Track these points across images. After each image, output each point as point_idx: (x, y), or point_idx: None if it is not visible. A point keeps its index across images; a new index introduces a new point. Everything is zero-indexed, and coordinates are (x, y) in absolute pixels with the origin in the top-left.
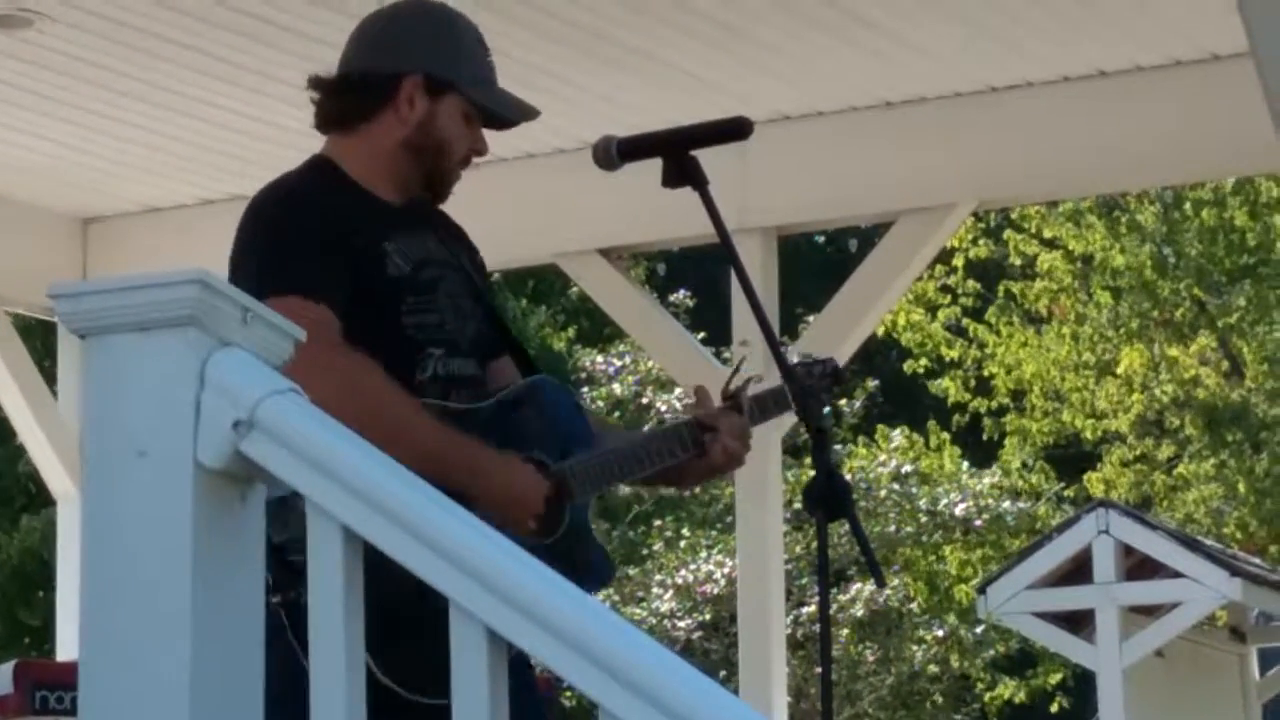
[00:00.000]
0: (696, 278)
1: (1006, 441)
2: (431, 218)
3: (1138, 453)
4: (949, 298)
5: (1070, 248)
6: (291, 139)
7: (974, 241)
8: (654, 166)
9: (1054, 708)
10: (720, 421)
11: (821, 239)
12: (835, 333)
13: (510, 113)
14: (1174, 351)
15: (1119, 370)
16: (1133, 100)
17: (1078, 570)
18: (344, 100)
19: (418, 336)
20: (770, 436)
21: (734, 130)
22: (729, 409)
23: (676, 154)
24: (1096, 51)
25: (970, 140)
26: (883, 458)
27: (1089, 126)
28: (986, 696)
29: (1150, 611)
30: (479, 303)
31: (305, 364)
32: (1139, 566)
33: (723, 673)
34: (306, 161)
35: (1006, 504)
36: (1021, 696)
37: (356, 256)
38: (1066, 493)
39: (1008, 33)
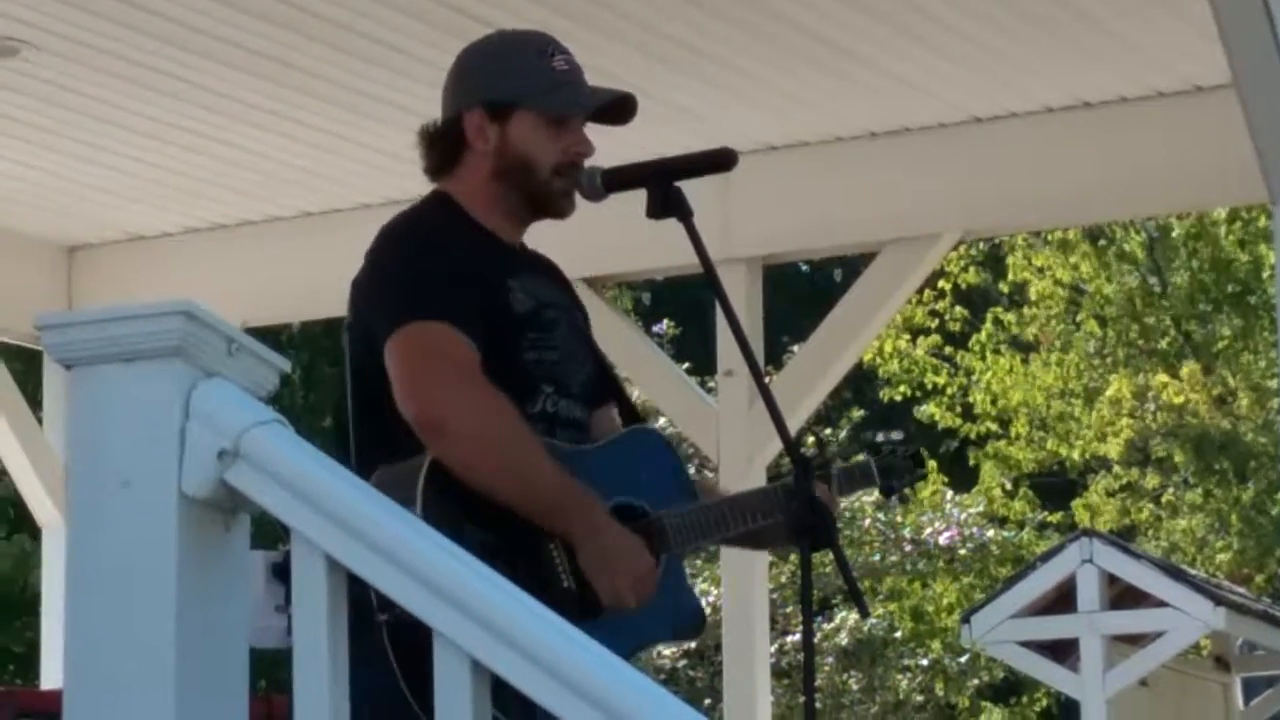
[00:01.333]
0: (681, 307)
1: (984, 467)
2: (542, 265)
3: (1123, 482)
4: (936, 322)
5: (1059, 276)
6: (275, 168)
7: (964, 269)
8: (639, 197)
9: None
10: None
11: (806, 268)
12: (820, 362)
13: (581, 106)
14: (1163, 377)
15: (1108, 394)
16: (1116, 131)
17: (1062, 599)
18: (432, 153)
19: (535, 372)
20: (754, 465)
21: (719, 161)
22: (817, 479)
23: (661, 185)
24: (1080, 83)
25: (954, 171)
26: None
27: (1073, 157)
28: None
29: (1134, 640)
30: (590, 349)
31: (455, 393)
32: (1123, 595)
33: (707, 701)
34: (430, 196)
35: (991, 533)
36: None
37: (486, 291)
38: (1050, 519)
39: (991, 64)
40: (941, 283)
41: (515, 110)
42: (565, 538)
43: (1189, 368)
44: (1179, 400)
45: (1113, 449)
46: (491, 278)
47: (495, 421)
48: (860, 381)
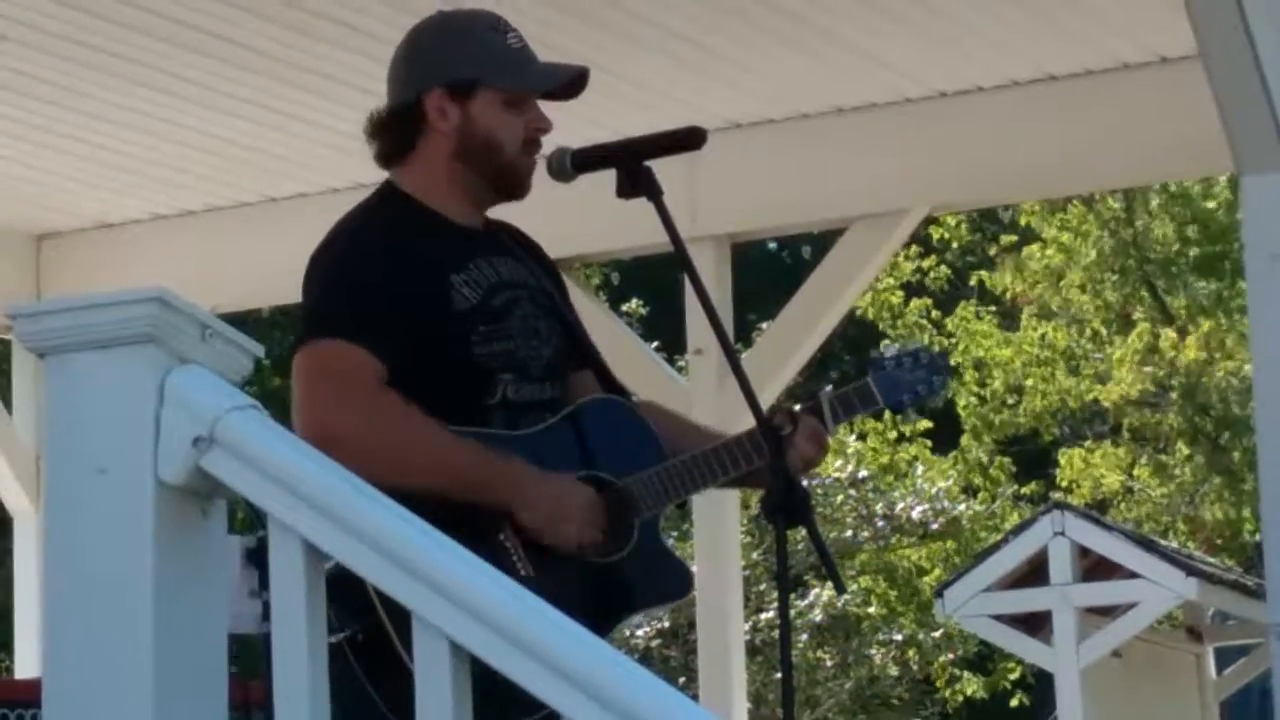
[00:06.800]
0: (650, 286)
1: (964, 433)
2: (503, 238)
3: (1097, 453)
4: (919, 277)
5: (1052, 237)
6: (243, 154)
7: (956, 226)
8: (608, 177)
9: (1014, 703)
10: (797, 424)
11: (775, 246)
12: (789, 339)
13: (545, 82)
14: (1171, 332)
15: (1129, 340)
16: (1082, 104)
17: (1034, 572)
18: (386, 138)
19: (489, 364)
20: None
21: (688, 140)
22: (804, 411)
23: (630, 164)
24: (1045, 56)
25: (921, 146)
26: (839, 463)
27: (1039, 130)
28: (947, 693)
29: (1107, 612)
30: (558, 321)
31: (336, 406)
32: (1095, 567)
33: (682, 679)
34: (377, 192)
35: (963, 506)
36: (982, 693)
37: (419, 296)
38: (1024, 490)
39: (957, 38)
40: (932, 228)
41: (477, 89)
42: (499, 509)
43: (1170, 334)
44: (1176, 356)
45: (1113, 393)
46: (429, 280)
47: (382, 421)
48: (861, 339)
